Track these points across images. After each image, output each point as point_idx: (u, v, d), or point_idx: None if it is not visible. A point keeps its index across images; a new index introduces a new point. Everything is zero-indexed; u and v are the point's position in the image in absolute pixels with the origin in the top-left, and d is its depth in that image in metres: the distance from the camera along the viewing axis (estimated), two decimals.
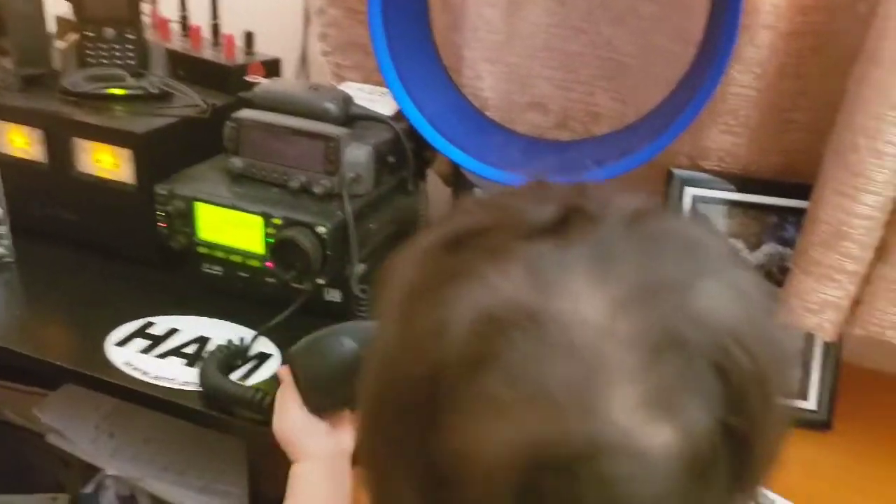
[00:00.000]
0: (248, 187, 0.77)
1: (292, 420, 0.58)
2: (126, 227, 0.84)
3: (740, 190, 0.89)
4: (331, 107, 0.79)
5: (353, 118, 0.81)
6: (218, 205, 0.75)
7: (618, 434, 0.27)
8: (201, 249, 0.78)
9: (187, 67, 0.94)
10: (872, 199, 0.69)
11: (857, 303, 0.75)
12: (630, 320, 0.28)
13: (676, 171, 0.88)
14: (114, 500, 0.86)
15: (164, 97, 0.86)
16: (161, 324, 0.77)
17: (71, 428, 0.86)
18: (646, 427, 0.27)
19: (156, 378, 0.69)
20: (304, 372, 0.59)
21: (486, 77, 0.94)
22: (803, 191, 0.86)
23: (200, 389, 0.66)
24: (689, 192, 0.89)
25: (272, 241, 0.74)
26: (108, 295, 0.81)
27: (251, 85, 0.85)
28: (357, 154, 0.75)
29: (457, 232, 0.32)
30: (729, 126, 0.85)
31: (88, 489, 0.86)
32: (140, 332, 0.75)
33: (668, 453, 0.27)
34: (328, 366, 0.57)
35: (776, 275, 0.87)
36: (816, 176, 0.77)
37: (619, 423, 0.27)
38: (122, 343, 0.73)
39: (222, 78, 0.92)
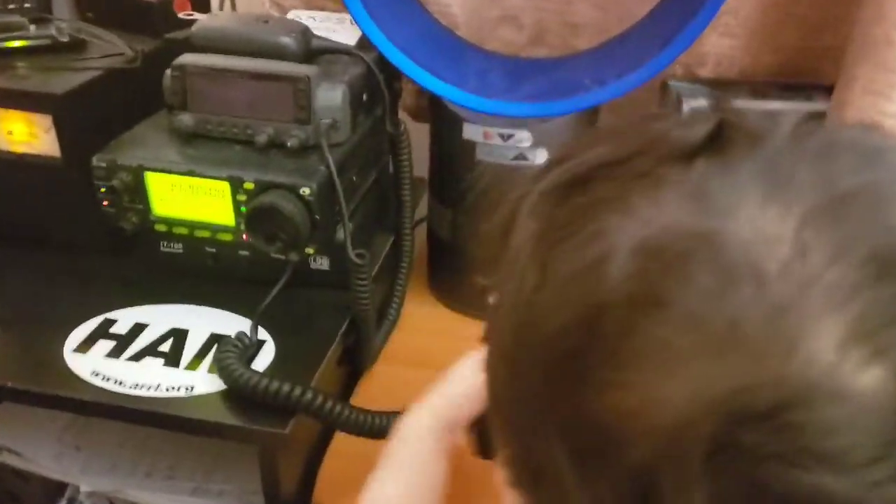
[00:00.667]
0: (204, 148, 0.65)
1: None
2: (56, 209, 0.71)
3: (737, 96, 0.83)
4: (288, 41, 0.67)
5: (314, 53, 0.70)
6: (173, 172, 0.63)
7: (824, 375, 0.22)
8: (159, 227, 0.66)
9: (97, 7, 0.79)
10: None
11: None
12: (823, 239, 0.24)
13: (672, 83, 0.81)
14: None
15: (77, 46, 0.72)
16: (123, 319, 0.65)
17: (27, 445, 0.75)
18: (854, 364, 0.22)
19: (135, 387, 0.58)
20: None
21: None
22: (800, 91, 0.82)
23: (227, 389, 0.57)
24: (688, 104, 0.83)
25: (245, 209, 0.63)
26: (50, 293, 0.68)
27: (184, 23, 0.72)
28: (331, 96, 0.64)
29: (584, 168, 0.28)
30: (729, 27, 0.78)
31: None
32: (101, 333, 0.64)
33: (884, 394, 0.23)
34: None
35: None
36: (836, 74, 0.71)
37: (825, 361, 0.22)
38: (82, 348, 0.62)
39: (142, 17, 0.77)
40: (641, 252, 0.24)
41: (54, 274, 0.70)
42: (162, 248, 0.69)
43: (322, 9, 0.89)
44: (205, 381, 0.59)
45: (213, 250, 0.68)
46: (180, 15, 0.71)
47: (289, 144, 0.63)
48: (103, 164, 0.63)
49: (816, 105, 0.81)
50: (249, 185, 0.62)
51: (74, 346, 0.62)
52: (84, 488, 0.73)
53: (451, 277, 0.86)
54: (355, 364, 0.71)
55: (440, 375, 0.54)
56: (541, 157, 0.73)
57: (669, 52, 0.68)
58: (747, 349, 0.23)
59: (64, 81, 0.66)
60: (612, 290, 0.25)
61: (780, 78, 0.83)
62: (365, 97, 0.71)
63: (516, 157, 0.73)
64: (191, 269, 0.70)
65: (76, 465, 0.75)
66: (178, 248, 0.69)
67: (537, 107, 0.72)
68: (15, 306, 0.67)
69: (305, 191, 0.61)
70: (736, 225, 0.24)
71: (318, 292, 0.69)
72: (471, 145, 0.74)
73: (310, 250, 0.64)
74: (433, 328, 0.82)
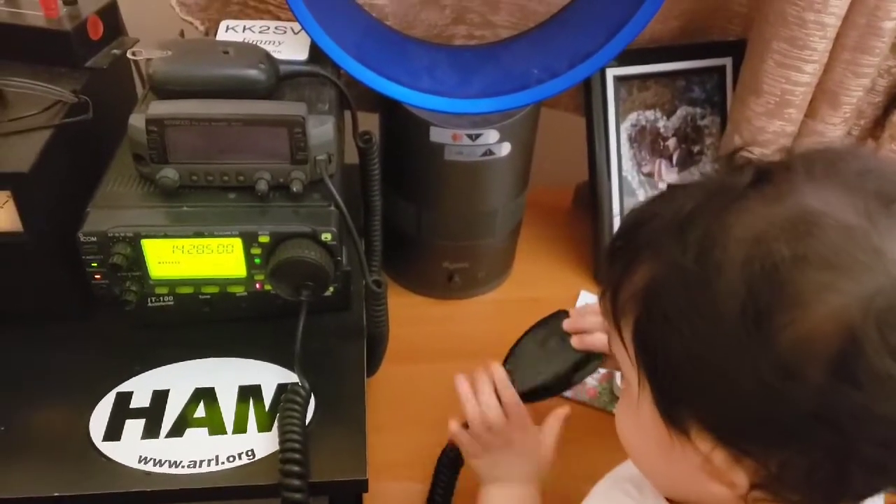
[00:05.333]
0: (196, 200, 0.62)
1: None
2: (16, 283, 0.64)
3: (649, 62, 0.90)
4: (257, 74, 0.64)
5: (281, 79, 0.67)
6: (178, 237, 0.59)
7: None
8: (160, 290, 0.63)
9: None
10: (812, 67, 0.75)
11: None
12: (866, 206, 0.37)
13: None
14: None
15: (2, 100, 0.63)
16: (137, 391, 0.62)
17: None
18: None
19: (193, 465, 0.57)
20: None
21: None
22: (699, 50, 0.91)
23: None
24: (610, 73, 0.89)
25: (260, 261, 0.61)
26: (42, 376, 0.63)
27: (100, 47, 0.66)
28: (323, 131, 0.63)
29: (685, 211, 0.39)
30: None
31: None
32: (122, 412, 0.60)
33: None
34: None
35: (690, 134, 0.93)
36: (735, 30, 0.81)
37: None
38: (112, 435, 0.59)
39: (57, 47, 0.68)
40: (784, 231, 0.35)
41: (36, 352, 0.64)
42: (149, 304, 0.66)
43: (236, 16, 0.84)
44: (263, 443, 0.59)
45: (207, 297, 0.66)
46: (131, 55, 0.64)
47: (294, 189, 0.61)
48: (94, 239, 0.58)
49: (720, 61, 0.91)
50: (265, 239, 0.60)
51: (102, 433, 0.59)
52: None
53: (413, 266, 0.88)
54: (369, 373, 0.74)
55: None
56: (505, 150, 0.77)
57: (621, 39, 0.73)
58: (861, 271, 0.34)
59: (19, 152, 0.58)
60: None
61: (681, 40, 0.91)
62: (340, 121, 0.69)
63: (484, 154, 0.76)
64: (182, 320, 0.67)
65: None
66: (168, 301, 0.66)
67: (497, 101, 0.75)
68: (13, 398, 0.61)
69: (327, 236, 0.60)
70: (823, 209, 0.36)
71: (319, 317, 0.69)
72: (439, 147, 0.76)
73: (332, 288, 0.64)
74: (410, 315, 0.85)
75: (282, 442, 0.57)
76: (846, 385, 0.33)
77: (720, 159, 0.45)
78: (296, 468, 0.55)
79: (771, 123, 0.79)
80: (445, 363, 0.71)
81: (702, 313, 0.36)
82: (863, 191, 0.36)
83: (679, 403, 0.39)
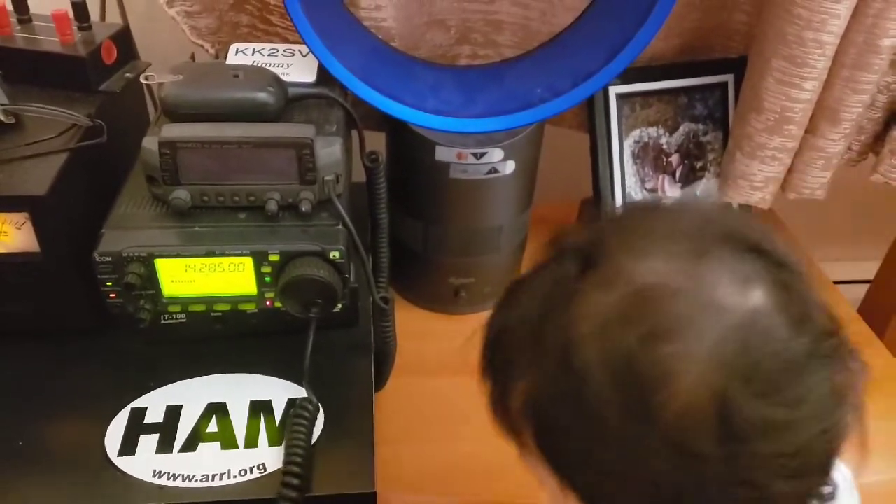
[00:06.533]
0: (208, 220, 0.63)
1: None
2: (31, 300, 0.66)
3: (652, 79, 0.92)
4: (267, 98, 0.66)
5: (290, 101, 0.69)
6: (190, 256, 0.61)
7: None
8: (172, 308, 0.64)
9: (13, 67, 0.70)
10: (812, 84, 0.76)
11: (789, 171, 0.85)
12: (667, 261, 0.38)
13: None
14: None
15: (21, 124, 0.65)
16: (151, 407, 0.64)
17: None
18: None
19: (206, 479, 0.58)
20: None
21: (385, 5, 0.82)
22: (701, 68, 0.92)
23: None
24: (612, 91, 0.90)
25: (270, 280, 0.63)
26: (56, 390, 0.64)
27: (112, 71, 0.68)
28: (331, 152, 0.64)
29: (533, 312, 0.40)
30: None
31: None
32: (137, 428, 0.62)
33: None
34: None
35: (692, 150, 0.94)
36: (734, 48, 0.82)
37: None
38: (127, 450, 0.60)
39: (72, 74, 0.70)
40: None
41: (52, 369, 0.66)
42: (163, 322, 0.67)
43: (243, 38, 0.86)
44: (274, 457, 0.60)
45: (218, 314, 0.67)
46: (144, 79, 0.66)
47: (303, 209, 0.63)
48: (108, 259, 0.60)
49: (722, 78, 0.93)
50: (275, 258, 0.61)
51: (117, 448, 0.60)
52: None
53: (420, 281, 0.90)
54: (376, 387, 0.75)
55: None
56: (510, 168, 0.78)
57: (623, 58, 0.74)
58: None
59: (36, 175, 0.60)
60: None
61: (683, 58, 0.92)
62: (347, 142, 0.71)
63: (489, 172, 0.78)
64: (194, 336, 0.68)
65: None
66: (181, 318, 0.67)
67: (501, 120, 0.76)
68: (30, 414, 0.62)
69: (335, 255, 0.62)
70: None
71: (327, 333, 0.70)
72: (444, 166, 0.77)
73: (340, 305, 0.65)
74: (417, 330, 0.86)
75: (285, 455, 0.58)
76: (735, 443, 0.33)
77: (548, 248, 0.44)
78: (295, 481, 0.56)
79: (771, 140, 0.80)
80: (452, 377, 0.73)
81: (587, 418, 0.36)
82: (677, 252, 0.36)
83: (606, 502, 0.39)
